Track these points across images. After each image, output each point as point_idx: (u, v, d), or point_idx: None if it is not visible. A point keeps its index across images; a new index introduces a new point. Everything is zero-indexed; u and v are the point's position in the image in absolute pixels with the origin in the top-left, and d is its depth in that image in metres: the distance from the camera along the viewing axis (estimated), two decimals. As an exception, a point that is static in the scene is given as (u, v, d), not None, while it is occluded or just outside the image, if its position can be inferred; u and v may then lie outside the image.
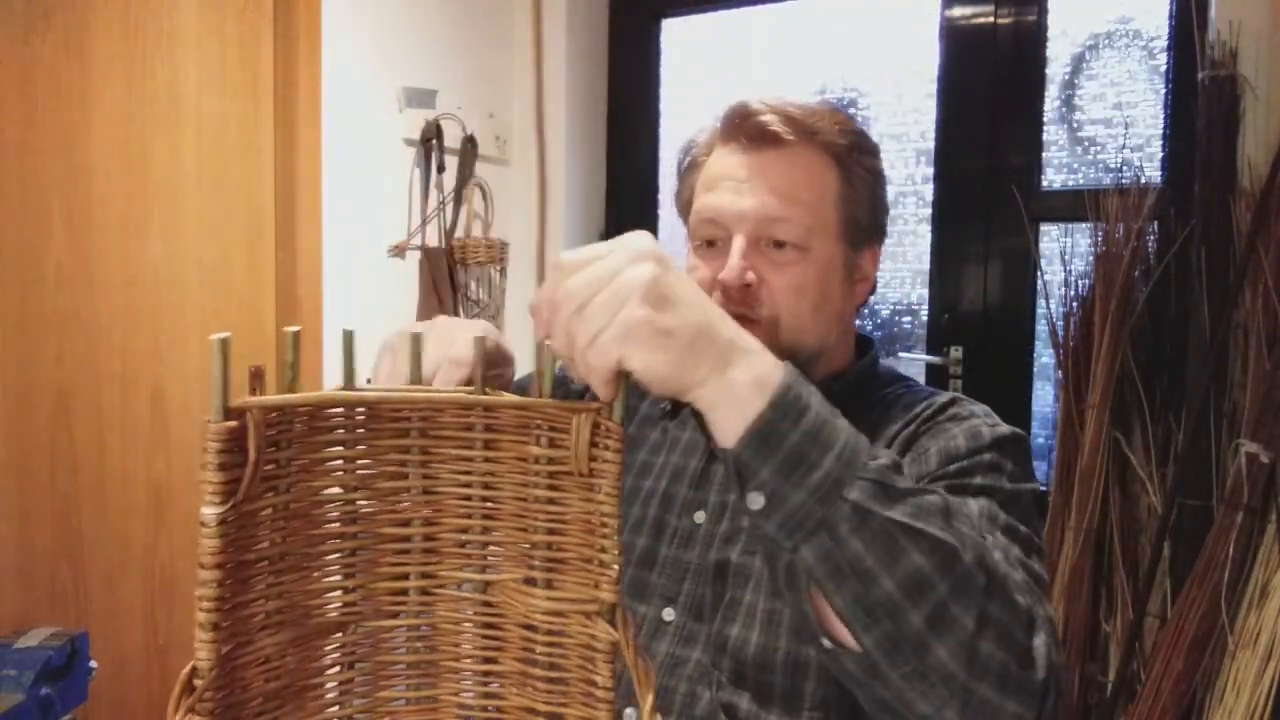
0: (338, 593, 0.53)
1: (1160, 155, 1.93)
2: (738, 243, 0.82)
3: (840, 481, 0.53)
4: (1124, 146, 1.96)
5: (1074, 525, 1.78)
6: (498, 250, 2.26)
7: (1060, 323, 1.86)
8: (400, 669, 0.55)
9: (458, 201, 2.18)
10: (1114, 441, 1.78)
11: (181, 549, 1.67)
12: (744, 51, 2.39)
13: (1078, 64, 2.02)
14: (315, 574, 0.52)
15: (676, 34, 2.45)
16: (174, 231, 1.64)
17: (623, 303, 0.50)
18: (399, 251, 2.06)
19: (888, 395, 0.89)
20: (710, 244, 0.86)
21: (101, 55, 1.53)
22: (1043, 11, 2.01)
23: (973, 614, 0.54)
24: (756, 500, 0.53)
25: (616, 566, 0.49)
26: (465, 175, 2.19)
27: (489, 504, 0.54)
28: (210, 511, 0.45)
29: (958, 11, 2.09)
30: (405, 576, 0.54)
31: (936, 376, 2.13)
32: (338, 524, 0.53)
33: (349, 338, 0.51)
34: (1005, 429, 0.81)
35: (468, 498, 0.54)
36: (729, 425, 0.53)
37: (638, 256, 0.51)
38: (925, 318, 2.17)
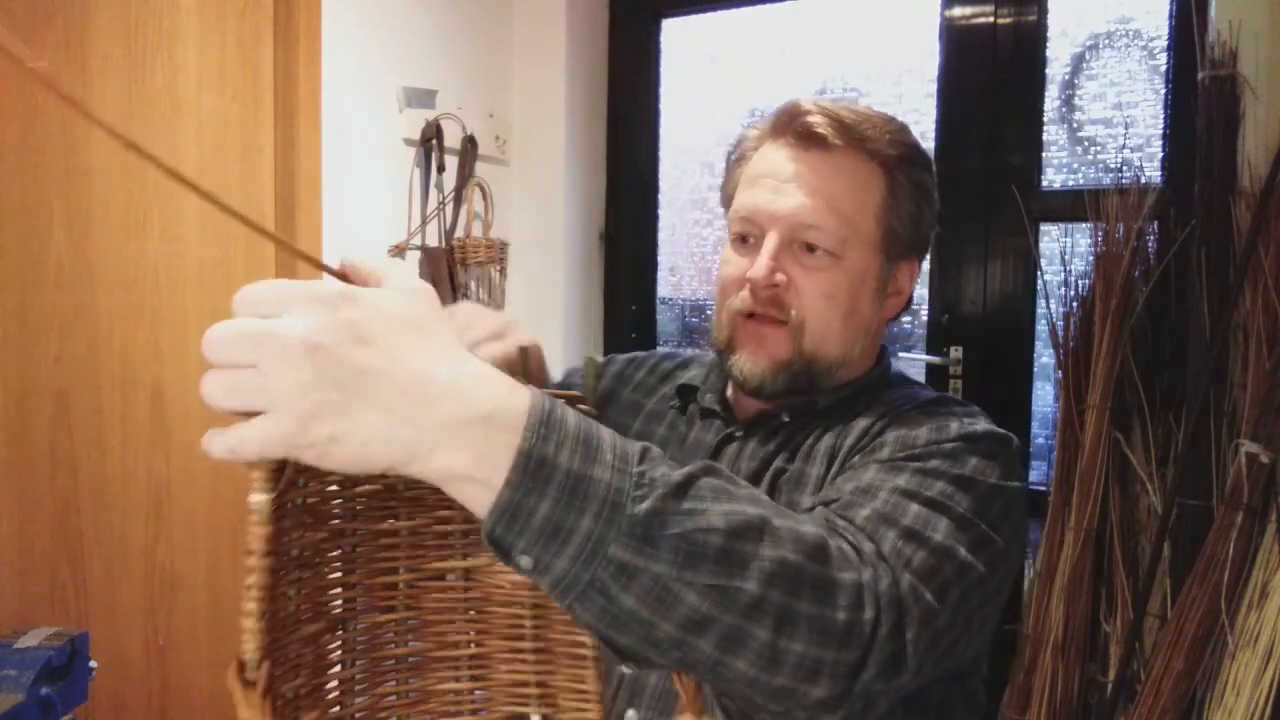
0: (338, 589, 0.54)
1: (1160, 155, 1.93)
2: (770, 242, 0.82)
3: (602, 540, 0.47)
4: (1124, 146, 1.96)
5: (1074, 525, 1.78)
6: (497, 250, 2.26)
7: (1060, 323, 1.86)
8: (395, 662, 0.57)
9: (458, 201, 2.18)
10: (1114, 441, 1.78)
11: (182, 549, 1.67)
12: (744, 51, 2.39)
13: (1078, 64, 2.02)
14: (324, 570, 0.53)
15: (676, 34, 2.45)
16: (174, 231, 1.64)
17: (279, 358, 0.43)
18: (399, 251, 2.06)
19: (888, 396, 0.88)
20: (744, 240, 0.86)
21: (101, 55, 1.53)
22: (1043, 11, 2.01)
23: (767, 626, 0.52)
24: (525, 562, 0.48)
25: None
26: (465, 175, 2.19)
27: None
28: (259, 499, 0.44)
29: (958, 11, 2.09)
30: (395, 570, 0.55)
31: (936, 376, 2.13)
32: (338, 521, 0.53)
33: None
34: (983, 427, 0.78)
35: None
36: (474, 504, 0.47)
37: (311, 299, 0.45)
38: (925, 318, 2.17)
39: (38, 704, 1.26)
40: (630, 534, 0.48)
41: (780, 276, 0.81)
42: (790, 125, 0.83)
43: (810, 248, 0.82)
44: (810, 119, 0.82)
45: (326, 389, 0.42)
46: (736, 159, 0.92)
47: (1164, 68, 1.93)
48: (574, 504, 0.47)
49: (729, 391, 0.95)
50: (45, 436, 1.48)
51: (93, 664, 1.39)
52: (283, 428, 0.42)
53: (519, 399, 0.47)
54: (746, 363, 0.85)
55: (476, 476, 0.45)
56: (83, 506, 1.52)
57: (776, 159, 0.84)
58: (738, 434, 0.91)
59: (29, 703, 1.24)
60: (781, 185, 0.83)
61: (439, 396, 0.44)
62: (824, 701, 0.54)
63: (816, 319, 0.82)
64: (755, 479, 0.85)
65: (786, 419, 0.88)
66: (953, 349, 2.10)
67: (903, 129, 0.88)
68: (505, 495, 0.46)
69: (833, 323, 0.83)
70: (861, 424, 0.83)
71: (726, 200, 0.92)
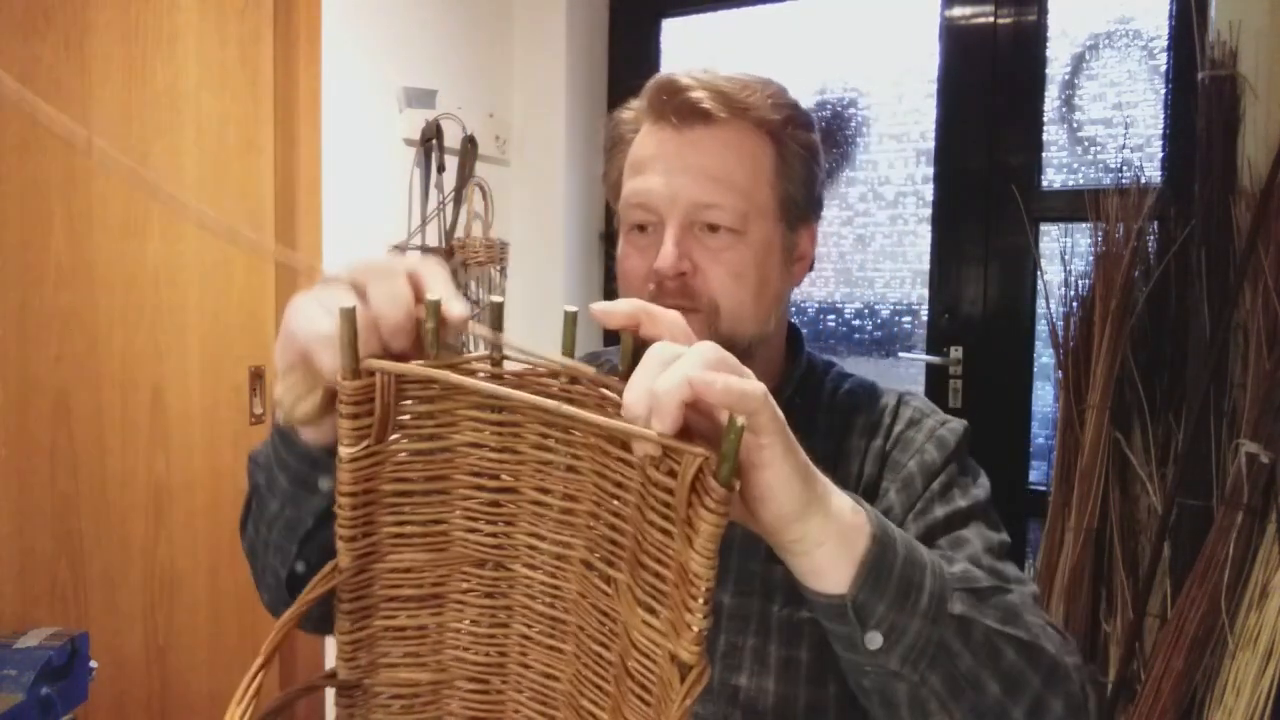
0: (476, 532, 0.56)
1: (1160, 155, 1.93)
2: (671, 229, 0.78)
3: (942, 597, 0.54)
4: (1124, 146, 1.96)
5: (1074, 525, 1.78)
6: (497, 250, 2.26)
7: (1060, 323, 1.86)
8: (527, 614, 0.57)
9: (458, 201, 2.18)
10: (1114, 441, 1.78)
11: (182, 548, 1.67)
12: (744, 51, 2.39)
13: (1078, 64, 2.02)
14: (454, 512, 0.56)
15: (676, 34, 2.45)
16: (174, 231, 1.64)
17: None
18: (399, 251, 2.06)
19: (837, 399, 0.87)
20: (641, 229, 0.81)
21: (101, 55, 1.53)
22: (1043, 11, 2.01)
23: (1060, 697, 0.58)
24: (875, 639, 0.52)
25: (697, 628, 0.45)
26: (465, 175, 2.19)
27: (617, 504, 0.52)
28: (345, 451, 0.52)
29: (958, 11, 2.09)
30: (540, 537, 0.55)
31: (936, 376, 2.13)
32: (474, 475, 0.56)
33: (499, 308, 0.54)
34: (955, 425, 0.82)
35: (601, 489, 0.52)
36: (839, 565, 0.51)
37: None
38: (925, 318, 2.17)
39: (38, 704, 1.26)
40: (963, 589, 0.55)
41: (686, 264, 0.78)
42: (669, 103, 0.79)
43: (712, 228, 0.78)
44: (691, 95, 0.78)
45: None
46: (613, 145, 0.87)
47: (1164, 68, 1.93)
48: (914, 560, 0.54)
49: None
50: (45, 436, 1.48)
51: (93, 664, 1.39)
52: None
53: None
54: None
55: (840, 542, 0.51)
56: (83, 506, 1.52)
57: (661, 140, 0.80)
58: None
59: (29, 703, 1.24)
60: (672, 167, 0.79)
61: (811, 469, 0.51)
62: None
63: (729, 300, 0.79)
64: None
65: None
66: (953, 349, 2.10)
67: (781, 90, 0.84)
68: (874, 551, 0.51)
69: (745, 302, 0.79)
70: (855, 444, 0.83)
71: (612, 190, 0.87)
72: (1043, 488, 1.96)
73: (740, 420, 0.43)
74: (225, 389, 1.74)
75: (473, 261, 2.20)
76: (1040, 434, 2.08)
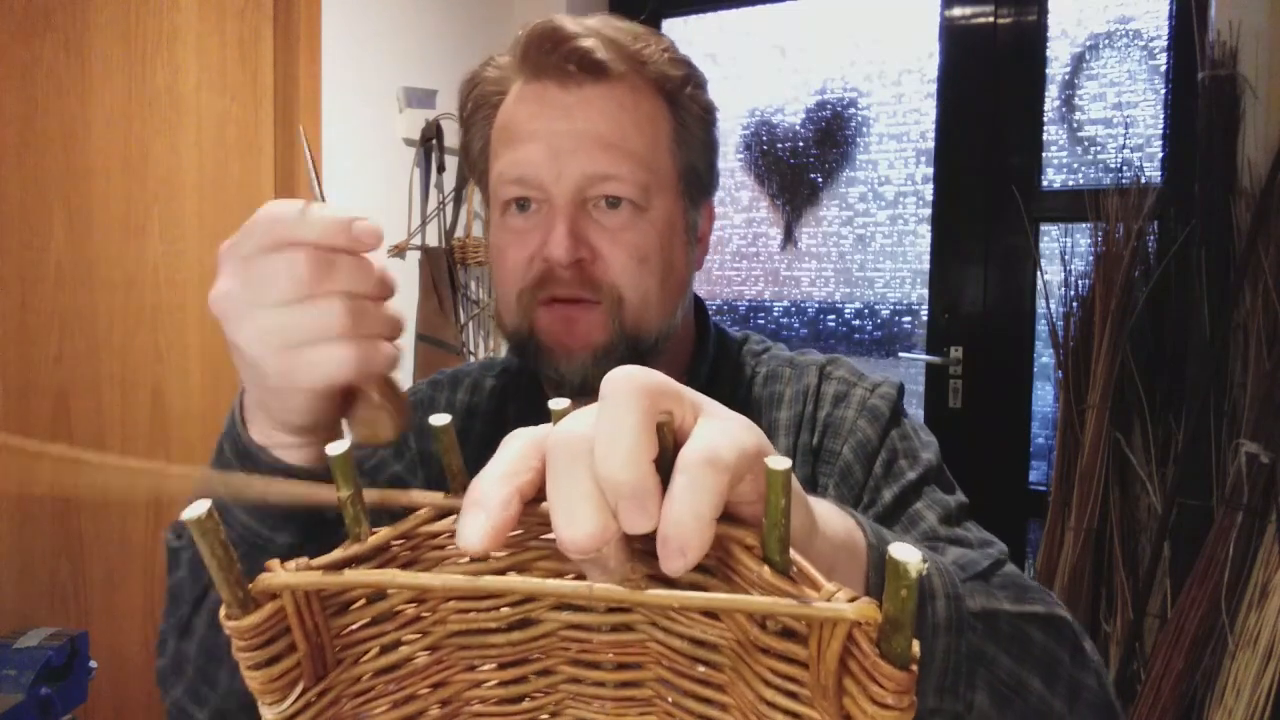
0: None
1: (1160, 155, 1.93)
2: (561, 208, 0.65)
3: (958, 596, 0.47)
4: (1124, 146, 1.96)
5: (1074, 525, 1.78)
6: (498, 250, 2.26)
7: (1060, 323, 1.86)
8: None
9: (458, 201, 2.18)
10: (1114, 441, 1.78)
11: (181, 549, 1.67)
12: (744, 51, 2.40)
13: (1078, 64, 2.02)
14: None
15: (676, 34, 2.45)
16: (174, 231, 1.64)
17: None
18: (399, 251, 2.06)
19: (755, 386, 0.76)
20: (522, 207, 0.68)
21: (101, 55, 1.53)
22: (1043, 11, 2.01)
23: (1090, 672, 0.53)
24: None
25: None
26: (465, 175, 2.19)
27: (704, 670, 0.35)
28: (270, 713, 0.34)
29: (958, 11, 2.09)
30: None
31: (936, 376, 2.13)
32: (477, 670, 0.38)
33: (447, 431, 0.36)
34: (886, 389, 0.72)
35: (672, 650, 0.35)
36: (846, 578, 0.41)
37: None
38: (925, 318, 2.17)
39: (37, 704, 1.26)
40: (972, 578, 0.49)
41: (584, 250, 0.65)
42: (553, 54, 0.65)
43: (610, 202, 0.66)
44: (581, 44, 0.65)
45: None
46: (474, 110, 0.73)
47: (1164, 68, 1.93)
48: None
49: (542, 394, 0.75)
50: (45, 436, 1.48)
51: (93, 664, 1.39)
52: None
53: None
54: (561, 359, 0.67)
55: (849, 560, 0.40)
56: (83, 506, 1.52)
57: (541, 101, 0.66)
58: None
59: (29, 703, 1.24)
60: (557, 133, 0.65)
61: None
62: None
63: (634, 290, 0.67)
64: None
65: None
66: (953, 349, 2.10)
67: (674, 44, 0.71)
68: (875, 562, 0.41)
69: (651, 289, 0.67)
70: (778, 416, 0.73)
71: (477, 164, 0.74)
72: (1043, 488, 1.96)
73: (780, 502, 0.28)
74: (225, 389, 1.74)
75: (473, 261, 2.20)
76: (1040, 434, 2.08)
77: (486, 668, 0.38)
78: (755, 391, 0.75)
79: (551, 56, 0.66)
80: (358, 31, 1.94)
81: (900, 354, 2.21)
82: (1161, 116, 1.93)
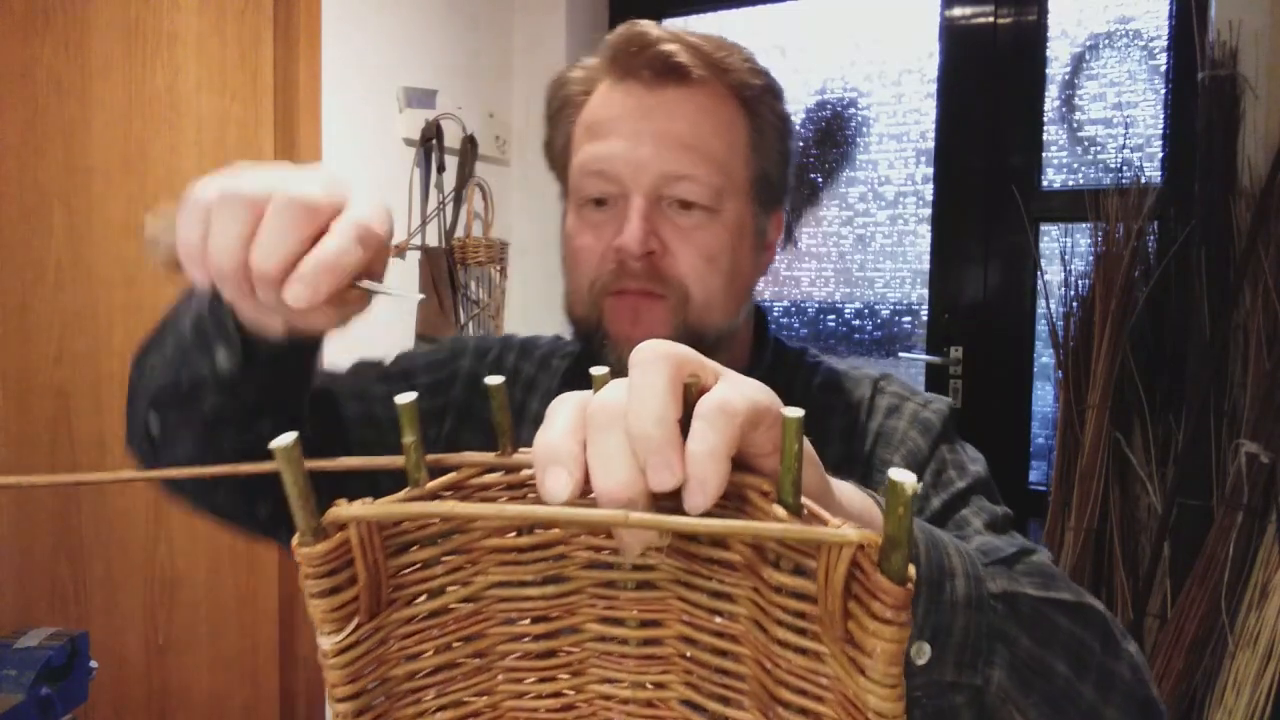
0: (528, 696, 0.42)
1: (1160, 155, 1.93)
2: (637, 202, 0.68)
3: (978, 576, 0.47)
4: (1124, 146, 1.96)
5: (1074, 525, 1.78)
6: (497, 250, 2.26)
7: (1060, 323, 1.86)
8: None
9: (458, 201, 2.18)
10: (1114, 441, 1.78)
11: (181, 549, 1.67)
12: (744, 51, 2.39)
13: (1078, 64, 2.02)
14: (496, 678, 0.42)
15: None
16: (174, 231, 1.64)
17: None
18: (399, 251, 2.06)
19: (810, 395, 0.78)
20: (599, 203, 0.71)
21: (101, 55, 1.53)
22: (1043, 11, 2.01)
23: (1123, 661, 0.53)
24: (923, 651, 0.44)
25: None
26: (465, 175, 2.19)
27: (721, 621, 0.38)
28: (328, 642, 0.37)
29: (958, 11, 2.09)
30: (617, 682, 0.41)
31: (936, 376, 2.13)
32: (512, 624, 0.41)
33: (499, 391, 0.39)
34: (939, 404, 0.74)
35: (693, 604, 0.39)
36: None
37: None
38: (925, 318, 2.17)
39: (38, 704, 1.26)
40: (993, 563, 0.48)
41: (654, 242, 0.68)
42: (639, 57, 0.69)
43: (684, 204, 0.69)
44: (666, 48, 0.68)
45: None
46: (560, 108, 0.76)
47: (1164, 68, 1.93)
48: (936, 541, 0.46)
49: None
50: (45, 436, 1.48)
51: (93, 664, 1.39)
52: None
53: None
54: (625, 349, 0.66)
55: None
56: (83, 506, 1.52)
57: (625, 100, 0.70)
58: None
59: (29, 703, 1.24)
60: (639, 130, 0.68)
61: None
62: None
63: (701, 287, 0.69)
64: None
65: None
66: (953, 349, 2.10)
67: (754, 55, 0.74)
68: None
69: (716, 290, 0.70)
70: (834, 424, 0.74)
71: (558, 160, 0.77)
72: (1043, 488, 1.96)
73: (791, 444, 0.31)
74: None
75: (473, 261, 2.20)
76: (1040, 434, 2.08)
77: (523, 623, 0.41)
78: (809, 400, 0.75)
79: (638, 59, 0.69)
80: (358, 31, 1.94)
81: (900, 354, 2.21)
82: (1161, 116, 1.93)
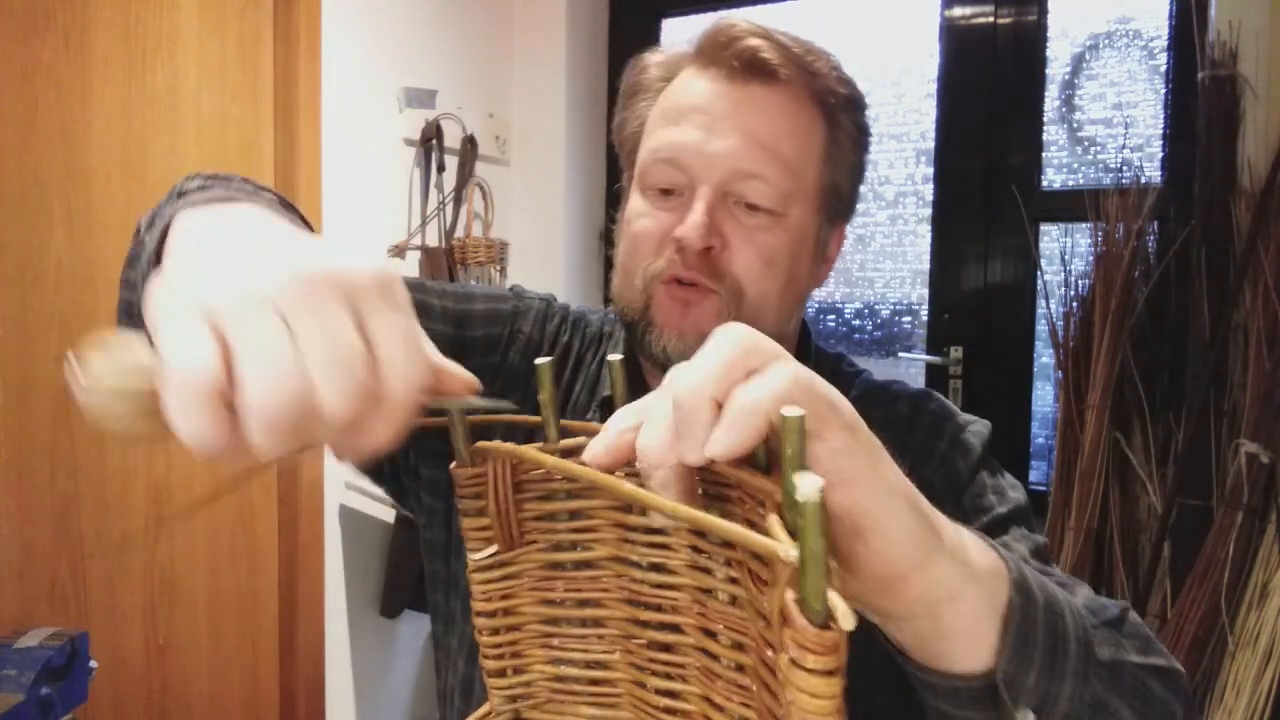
0: (646, 688, 0.42)
1: (1160, 155, 1.93)
2: (703, 194, 0.66)
3: (1089, 643, 0.45)
4: (1124, 146, 1.96)
5: (1074, 525, 1.78)
6: (497, 250, 2.26)
7: (1060, 323, 1.86)
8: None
9: (458, 201, 2.18)
10: (1114, 441, 1.78)
11: (182, 549, 1.67)
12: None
13: (1078, 64, 2.02)
14: (615, 654, 0.43)
15: (677, 34, 2.45)
16: (174, 231, 1.64)
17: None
18: (399, 251, 2.06)
19: (846, 393, 0.78)
20: (666, 192, 0.69)
21: (101, 55, 1.53)
22: (1043, 11, 2.01)
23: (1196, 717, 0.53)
24: (1026, 718, 0.42)
25: None
26: (465, 175, 2.19)
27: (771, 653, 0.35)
28: (473, 557, 0.44)
29: (958, 11, 2.09)
30: (717, 707, 0.38)
31: (936, 376, 2.13)
32: (630, 604, 0.42)
33: (545, 369, 0.43)
34: (979, 426, 0.73)
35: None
36: (981, 629, 0.40)
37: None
38: (925, 318, 2.17)
39: (38, 704, 1.26)
40: (1101, 626, 0.48)
41: (715, 238, 0.67)
42: (726, 50, 0.68)
43: (750, 205, 0.67)
44: (753, 43, 0.67)
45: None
46: (634, 92, 0.75)
47: (1164, 68, 1.93)
48: (1052, 608, 0.44)
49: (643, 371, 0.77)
50: (45, 436, 1.48)
51: (93, 664, 1.39)
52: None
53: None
54: (671, 338, 0.69)
55: (980, 594, 0.39)
56: (83, 506, 1.52)
57: (706, 90, 0.68)
58: None
59: (29, 703, 1.24)
60: (716, 123, 0.66)
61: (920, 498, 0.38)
62: None
63: (756, 287, 0.68)
64: None
65: None
66: (953, 349, 2.10)
67: (840, 64, 0.73)
68: (1017, 604, 0.40)
69: (771, 293, 0.68)
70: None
71: (628, 142, 0.75)
72: (1043, 488, 1.96)
73: (794, 413, 0.30)
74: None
75: (473, 261, 2.20)
76: (1040, 434, 2.07)
77: (634, 608, 0.42)
78: None
79: (726, 50, 0.68)
80: (358, 31, 1.94)
81: (900, 354, 2.21)
82: (1161, 116, 1.93)
